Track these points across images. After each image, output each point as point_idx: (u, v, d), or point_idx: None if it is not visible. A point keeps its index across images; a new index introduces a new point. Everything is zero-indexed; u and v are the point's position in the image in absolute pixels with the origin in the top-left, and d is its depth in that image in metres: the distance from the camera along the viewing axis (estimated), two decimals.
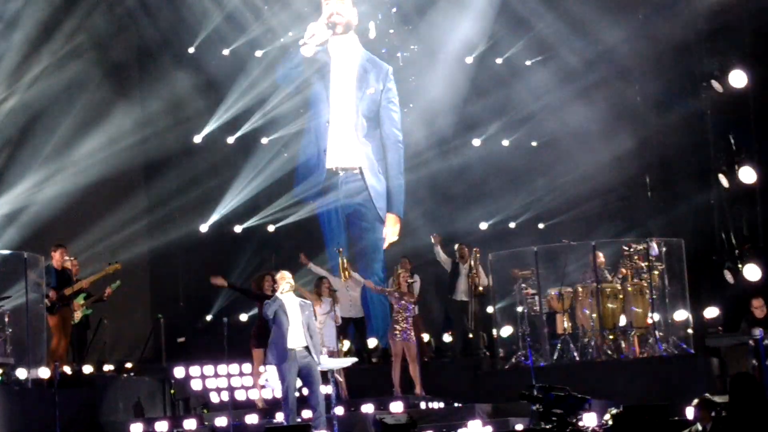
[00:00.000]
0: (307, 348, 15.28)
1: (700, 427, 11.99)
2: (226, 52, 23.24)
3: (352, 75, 23.02)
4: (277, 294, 15.38)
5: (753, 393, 8.96)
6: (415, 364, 18.39)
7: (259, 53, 23.30)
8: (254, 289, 17.88)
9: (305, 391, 15.62)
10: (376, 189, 23.00)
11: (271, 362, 15.31)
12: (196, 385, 19.67)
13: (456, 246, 21.10)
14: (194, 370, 19.81)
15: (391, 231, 22.89)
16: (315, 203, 23.15)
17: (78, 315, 19.02)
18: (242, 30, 23.07)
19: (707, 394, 13.42)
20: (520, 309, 20.22)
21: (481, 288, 20.73)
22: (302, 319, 15.28)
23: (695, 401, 12.45)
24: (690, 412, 13.10)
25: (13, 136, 21.06)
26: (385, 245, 22.79)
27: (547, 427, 14.43)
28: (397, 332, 18.34)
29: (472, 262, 20.68)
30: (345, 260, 19.88)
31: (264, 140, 23.52)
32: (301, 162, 23.40)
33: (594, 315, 19.52)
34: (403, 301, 18.40)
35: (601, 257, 19.84)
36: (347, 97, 22.99)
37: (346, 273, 19.62)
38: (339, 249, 20.36)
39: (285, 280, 15.44)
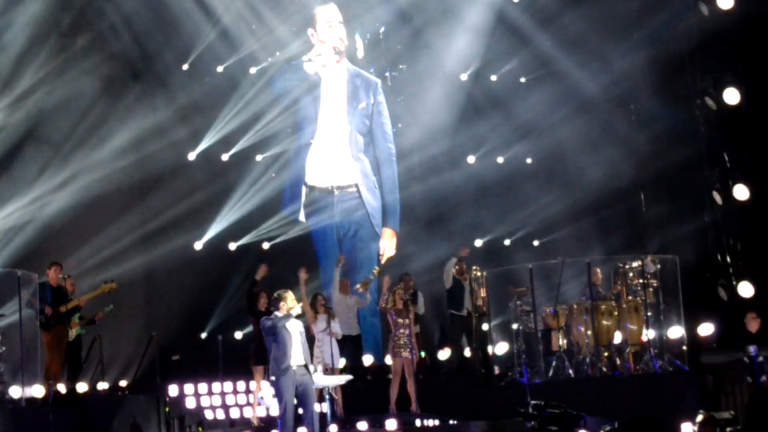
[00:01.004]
0: (305, 366, 15.31)
1: None
2: (219, 69, 23.22)
3: (342, 92, 23.01)
4: (290, 313, 15.33)
5: None
6: (413, 381, 18.40)
7: (253, 70, 23.28)
8: (251, 304, 17.90)
9: (300, 410, 15.62)
10: (373, 205, 23.00)
11: (273, 377, 15.32)
12: (190, 403, 19.68)
13: (455, 263, 21.11)
14: (189, 387, 19.83)
15: (388, 245, 22.89)
16: (309, 222, 23.08)
17: (73, 333, 18.99)
18: (235, 47, 23.04)
19: (711, 412, 13.46)
20: (515, 326, 20.23)
21: (481, 304, 20.75)
22: (302, 339, 15.33)
23: (699, 418, 12.45)
24: (686, 429, 13.12)
25: (5, 155, 21.02)
26: (383, 260, 22.76)
27: None
28: (398, 349, 18.33)
29: (474, 282, 20.75)
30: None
31: (258, 157, 23.50)
32: (288, 183, 23.32)
33: (589, 332, 19.52)
34: (399, 320, 18.39)
35: (599, 273, 19.86)
36: (339, 115, 22.97)
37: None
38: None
39: (293, 301, 15.43)
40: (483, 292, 20.80)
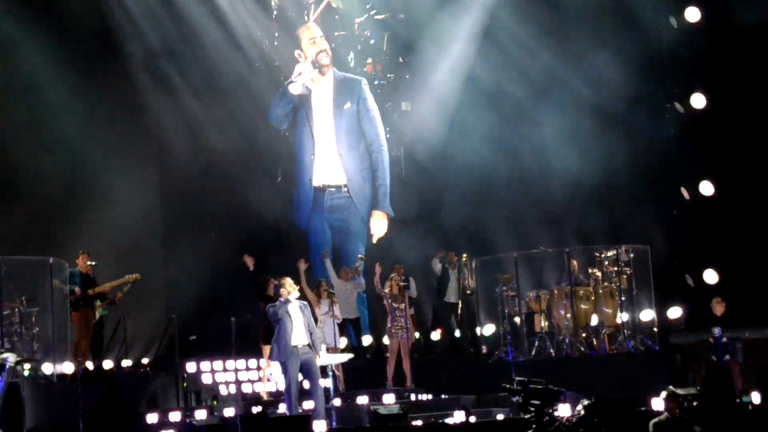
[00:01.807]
0: (308, 345, 15.36)
1: (669, 416, 12.00)
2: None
3: (329, 98, 22.93)
4: (289, 298, 15.38)
5: (724, 383, 8.96)
6: (408, 359, 18.41)
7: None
8: (259, 290, 17.89)
9: (306, 385, 15.66)
10: (360, 201, 22.86)
11: (276, 358, 15.37)
12: (206, 379, 19.75)
13: (446, 254, 21.09)
14: (205, 365, 19.88)
15: (378, 225, 22.76)
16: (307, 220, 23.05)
17: (96, 315, 19.03)
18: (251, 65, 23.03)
19: (673, 387, 13.46)
20: (501, 309, 20.22)
21: (468, 291, 20.76)
22: (303, 320, 15.35)
23: (664, 393, 12.47)
24: (656, 404, 13.11)
25: None
26: (374, 240, 22.70)
27: (526, 416, 14.42)
28: (396, 330, 18.36)
29: (464, 269, 20.75)
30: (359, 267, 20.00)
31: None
32: (296, 192, 23.25)
33: (568, 315, 19.52)
34: (395, 304, 18.43)
35: (574, 262, 19.87)
36: (327, 119, 22.88)
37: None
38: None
39: (291, 286, 15.50)
40: (472, 280, 20.82)
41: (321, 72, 22.82)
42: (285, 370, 15.33)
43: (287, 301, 15.35)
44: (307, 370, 15.35)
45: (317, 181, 22.90)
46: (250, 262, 18.51)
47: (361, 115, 22.92)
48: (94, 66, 22.01)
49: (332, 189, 22.74)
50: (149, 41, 22.39)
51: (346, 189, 22.90)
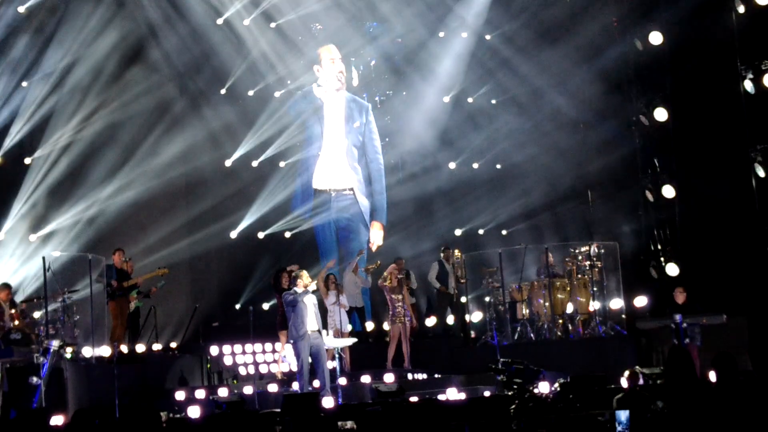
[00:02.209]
0: (318, 331, 15.42)
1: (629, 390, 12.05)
2: (250, 93, 23.23)
3: (341, 114, 22.87)
4: (308, 289, 15.41)
5: (685, 363, 9.01)
6: (407, 343, 18.42)
7: (277, 94, 23.31)
8: (273, 282, 17.90)
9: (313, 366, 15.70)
10: (364, 204, 22.85)
11: (293, 337, 15.43)
12: (227, 361, 19.75)
13: (442, 248, 21.15)
14: (226, 348, 19.89)
15: (376, 235, 22.77)
16: (312, 220, 23.02)
17: (132, 306, 19.08)
18: (263, 76, 23.03)
19: (644, 368, 13.54)
20: (487, 299, 20.26)
21: (462, 280, 20.81)
22: (315, 309, 15.43)
23: (626, 373, 12.53)
24: (624, 381, 13.16)
25: (82, 161, 21.09)
26: (373, 247, 22.69)
27: (509, 393, 14.49)
28: (397, 318, 18.37)
29: (458, 262, 20.83)
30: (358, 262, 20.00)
31: (282, 164, 23.51)
32: (298, 189, 23.24)
33: (547, 304, 19.55)
34: (394, 295, 18.45)
35: (551, 257, 19.91)
36: (339, 132, 22.81)
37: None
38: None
39: (308, 278, 15.55)
40: (462, 272, 20.87)
41: (336, 88, 22.81)
42: (297, 353, 15.41)
43: (305, 292, 15.41)
44: (315, 353, 15.42)
45: (323, 185, 22.83)
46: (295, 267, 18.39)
47: (366, 136, 22.94)
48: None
49: (344, 192, 22.72)
50: (174, 63, 22.35)
51: (351, 191, 22.87)
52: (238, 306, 22.94)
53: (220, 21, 22.20)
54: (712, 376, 13.30)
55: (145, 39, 21.74)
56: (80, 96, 20.81)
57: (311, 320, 15.40)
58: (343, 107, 22.85)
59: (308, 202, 22.83)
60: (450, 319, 21.03)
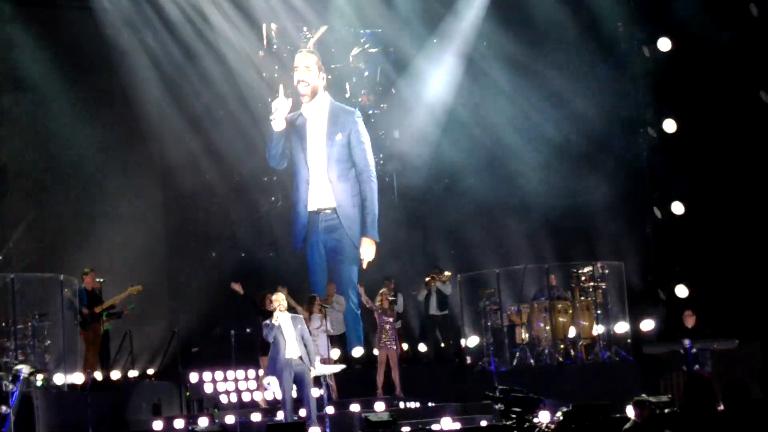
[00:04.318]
0: (301, 357, 15.45)
1: (637, 421, 12.12)
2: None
3: (323, 126, 22.57)
4: (276, 314, 15.49)
5: (705, 393, 9.06)
6: (397, 370, 18.48)
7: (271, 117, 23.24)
8: (258, 304, 17.96)
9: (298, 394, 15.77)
10: (349, 224, 22.64)
11: (269, 373, 15.50)
12: (208, 388, 19.80)
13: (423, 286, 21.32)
14: (206, 375, 19.93)
15: (367, 252, 22.63)
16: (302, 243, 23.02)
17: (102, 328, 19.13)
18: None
19: (650, 396, 13.61)
20: (484, 322, 20.33)
21: (445, 291, 20.94)
22: (296, 334, 15.47)
23: (633, 401, 12.60)
24: (629, 411, 13.24)
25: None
26: (364, 265, 22.63)
27: (508, 423, 14.55)
28: (384, 342, 18.45)
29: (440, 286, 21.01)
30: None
31: (265, 178, 23.52)
32: (293, 216, 23.20)
33: (548, 327, 19.62)
34: (384, 317, 18.52)
35: (553, 278, 19.99)
36: (320, 147, 22.54)
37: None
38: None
39: (281, 302, 15.63)
40: (446, 285, 20.98)
41: (300, 100, 22.58)
42: (280, 382, 15.48)
43: (278, 318, 15.43)
44: (299, 381, 15.46)
45: (312, 206, 22.67)
46: (238, 288, 18.30)
47: (353, 146, 22.64)
48: (101, 94, 22.10)
49: (327, 211, 22.61)
50: (154, 71, 22.43)
51: (333, 211, 22.71)
52: (218, 330, 22.92)
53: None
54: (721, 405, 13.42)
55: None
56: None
57: (291, 348, 15.43)
58: (326, 119, 22.68)
59: (302, 228, 22.82)
60: (442, 344, 21.16)
